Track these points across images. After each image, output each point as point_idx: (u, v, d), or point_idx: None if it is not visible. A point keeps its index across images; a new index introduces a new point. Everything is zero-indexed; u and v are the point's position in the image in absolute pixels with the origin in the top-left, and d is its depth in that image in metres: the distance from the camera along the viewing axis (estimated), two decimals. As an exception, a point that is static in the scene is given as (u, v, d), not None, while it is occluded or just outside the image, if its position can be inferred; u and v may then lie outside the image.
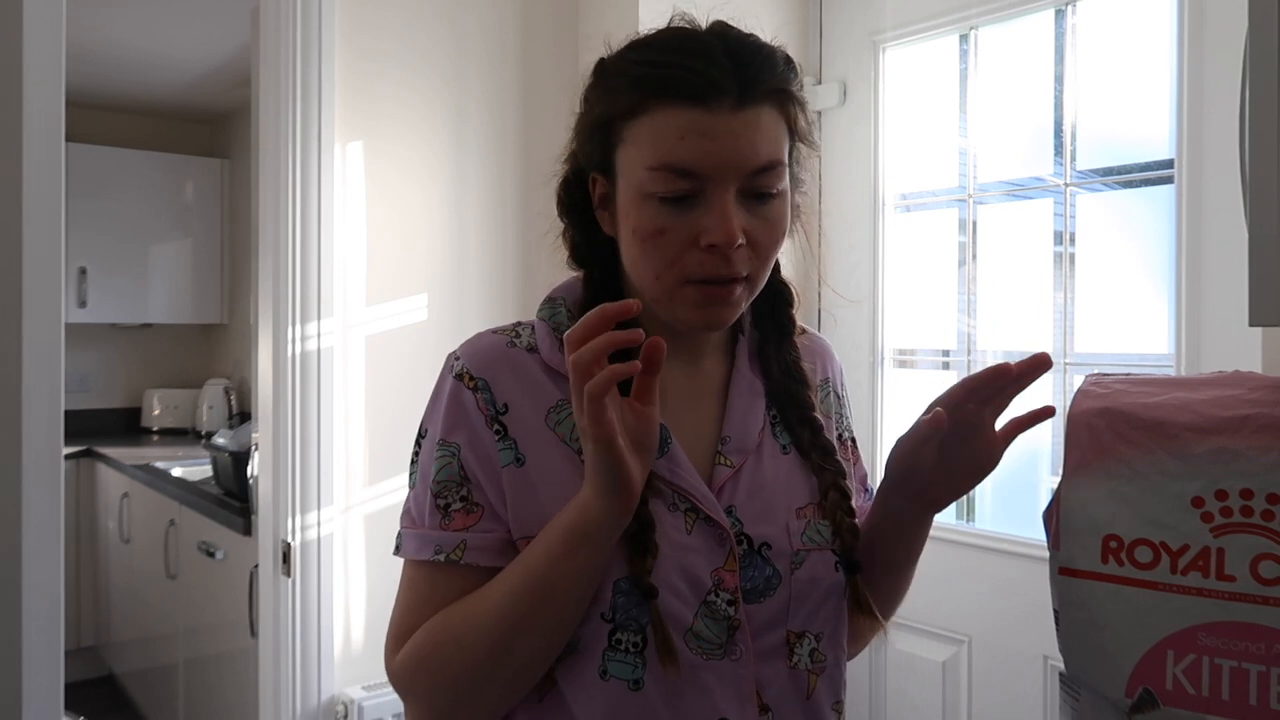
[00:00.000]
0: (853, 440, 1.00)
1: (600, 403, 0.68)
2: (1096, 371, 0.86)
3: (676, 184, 0.76)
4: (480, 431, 0.81)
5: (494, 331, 0.86)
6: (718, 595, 0.80)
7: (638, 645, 0.78)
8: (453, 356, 0.85)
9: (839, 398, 0.99)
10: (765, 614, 0.82)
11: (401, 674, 0.81)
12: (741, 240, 0.77)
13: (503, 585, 0.77)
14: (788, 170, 0.81)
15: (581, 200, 0.87)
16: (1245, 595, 0.69)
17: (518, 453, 0.81)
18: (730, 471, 0.85)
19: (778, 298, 0.93)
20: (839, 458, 0.90)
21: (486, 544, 0.80)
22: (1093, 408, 0.79)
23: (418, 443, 0.86)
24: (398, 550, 0.85)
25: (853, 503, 0.89)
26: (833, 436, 0.94)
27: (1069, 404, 0.81)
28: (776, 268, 0.91)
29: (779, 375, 0.90)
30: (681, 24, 0.83)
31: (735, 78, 0.76)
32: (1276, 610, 0.68)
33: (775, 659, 0.82)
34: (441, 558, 0.80)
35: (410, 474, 0.86)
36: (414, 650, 0.80)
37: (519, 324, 0.87)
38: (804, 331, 0.97)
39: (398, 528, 0.86)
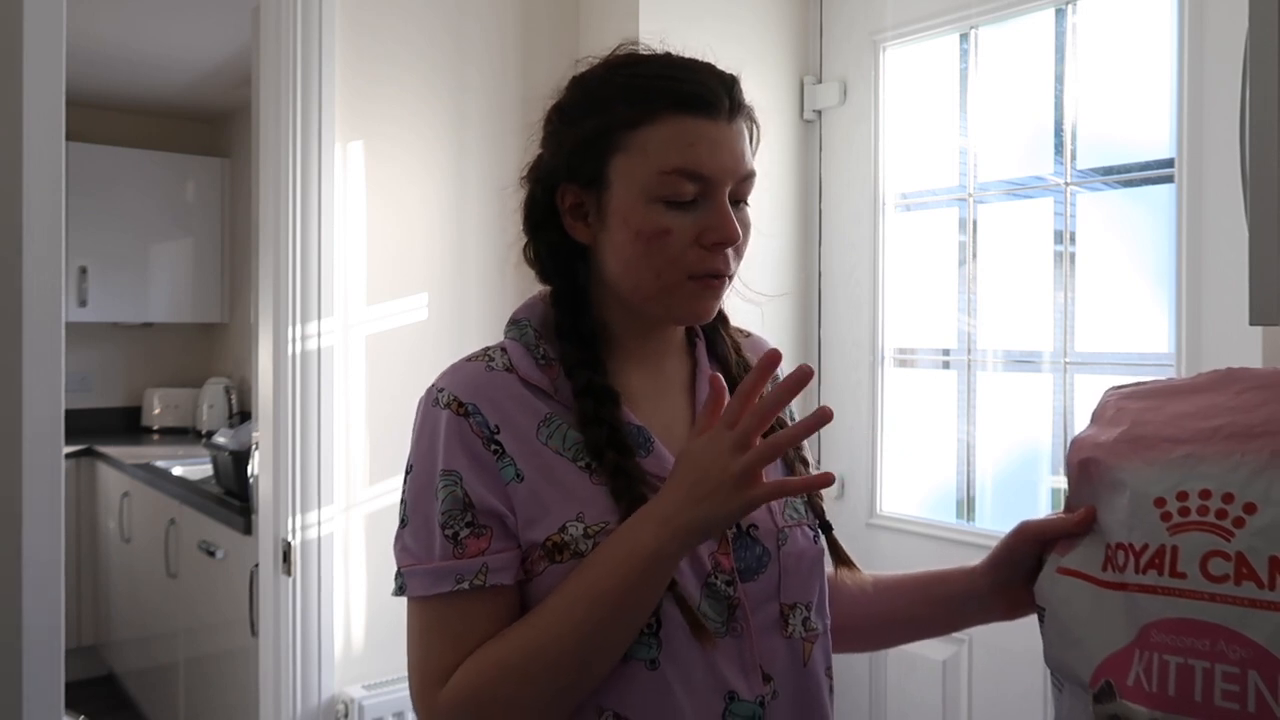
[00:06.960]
0: None
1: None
2: (1112, 388, 0.88)
3: (685, 187, 0.83)
4: (480, 453, 0.83)
5: (468, 360, 0.89)
6: (716, 577, 0.85)
7: (652, 627, 0.82)
8: (435, 389, 0.87)
9: None
10: (760, 590, 0.87)
11: (454, 713, 0.81)
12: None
13: (565, 615, 0.79)
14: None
15: (549, 214, 0.90)
16: (1194, 592, 0.70)
17: (517, 469, 0.84)
18: None
19: None
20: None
21: (504, 563, 0.82)
22: (1086, 458, 0.83)
23: (405, 479, 0.87)
24: (401, 591, 0.84)
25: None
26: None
27: (1071, 438, 0.85)
28: None
29: (735, 371, 0.97)
30: (637, 49, 0.90)
31: (727, 95, 0.85)
32: (1222, 607, 0.68)
33: (773, 632, 0.87)
34: (465, 585, 0.81)
35: (401, 513, 0.87)
36: (468, 689, 0.80)
37: (488, 348, 0.91)
38: (748, 335, 1.04)
39: (398, 533, 0.86)
